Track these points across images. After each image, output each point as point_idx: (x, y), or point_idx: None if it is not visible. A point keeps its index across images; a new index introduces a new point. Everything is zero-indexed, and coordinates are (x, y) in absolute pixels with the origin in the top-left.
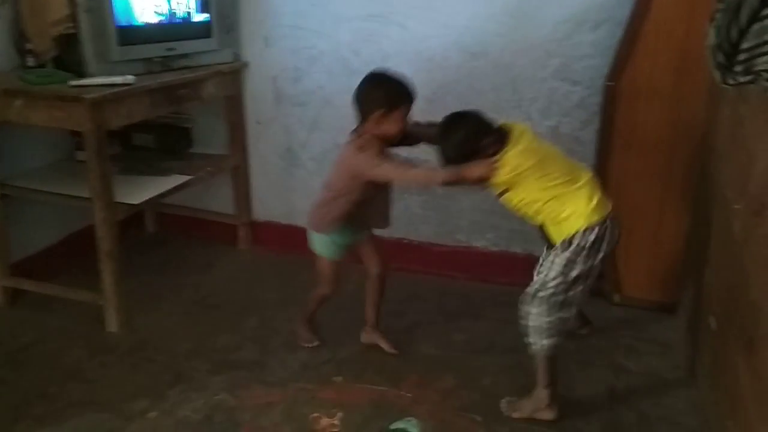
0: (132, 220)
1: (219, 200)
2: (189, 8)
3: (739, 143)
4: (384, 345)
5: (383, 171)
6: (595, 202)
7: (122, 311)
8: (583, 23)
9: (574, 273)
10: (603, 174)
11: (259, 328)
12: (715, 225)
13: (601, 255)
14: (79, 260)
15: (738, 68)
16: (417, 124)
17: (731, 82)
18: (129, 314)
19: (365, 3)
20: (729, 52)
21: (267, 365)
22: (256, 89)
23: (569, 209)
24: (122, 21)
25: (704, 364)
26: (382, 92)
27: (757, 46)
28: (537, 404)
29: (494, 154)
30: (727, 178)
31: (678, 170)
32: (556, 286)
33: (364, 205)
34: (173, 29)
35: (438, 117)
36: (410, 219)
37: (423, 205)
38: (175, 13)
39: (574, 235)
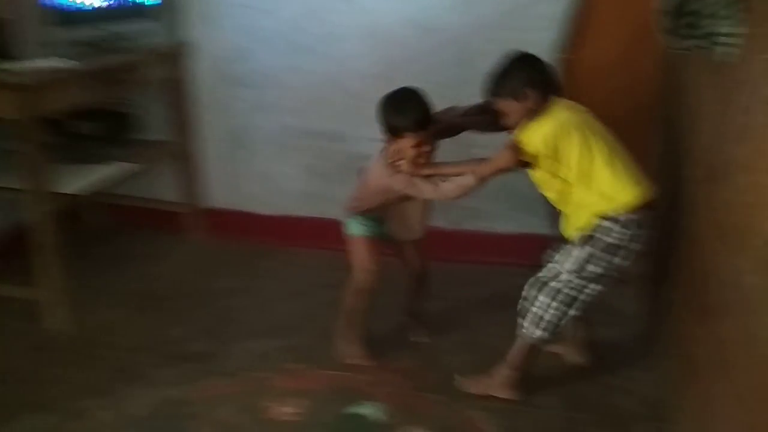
0: (78, 213)
1: (167, 189)
2: None
3: (685, 110)
4: (412, 334)
5: (417, 190)
6: (629, 188)
7: (65, 307)
8: None
9: (592, 269)
10: None
11: (212, 318)
12: (670, 194)
13: (631, 255)
14: (20, 255)
15: (683, 32)
16: (460, 113)
17: (676, 45)
18: (73, 310)
19: None
20: (675, 16)
21: (219, 356)
22: (201, 71)
23: (596, 193)
24: (56, 0)
25: (662, 334)
26: (385, 120)
27: (700, 10)
28: (498, 381)
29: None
30: (677, 146)
31: (634, 141)
32: (568, 281)
33: (398, 209)
34: (111, 10)
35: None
36: None
37: None
38: None
39: (598, 226)
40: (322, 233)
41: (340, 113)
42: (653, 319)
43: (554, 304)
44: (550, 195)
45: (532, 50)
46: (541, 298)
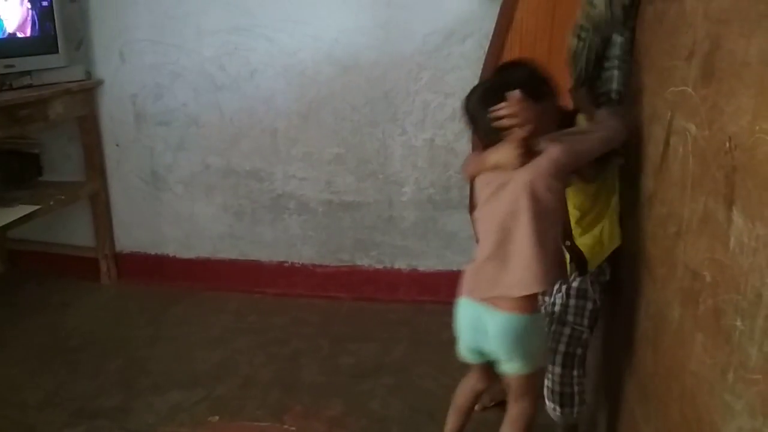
0: None
1: (77, 232)
2: (29, 21)
3: None
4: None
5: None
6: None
7: None
8: (451, 36)
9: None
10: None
11: (125, 370)
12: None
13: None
14: None
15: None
16: None
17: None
18: None
19: (228, 15)
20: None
21: (132, 410)
22: (113, 109)
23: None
24: None
25: (588, 367)
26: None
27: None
28: None
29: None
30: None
31: None
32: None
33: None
34: (12, 44)
35: (313, 133)
36: (290, 240)
37: (302, 225)
38: (12, 25)
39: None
40: (243, 275)
41: (262, 151)
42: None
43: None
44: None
45: (449, 88)
46: (575, 372)
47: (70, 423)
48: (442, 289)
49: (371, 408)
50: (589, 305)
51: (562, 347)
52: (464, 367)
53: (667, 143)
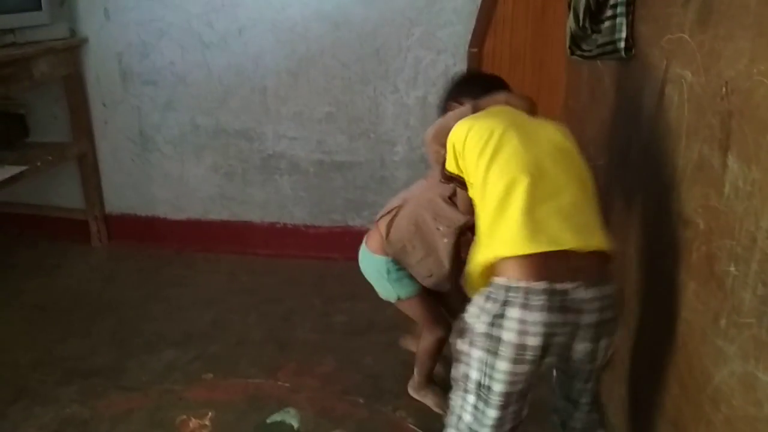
0: None
1: (67, 194)
2: None
3: (600, 100)
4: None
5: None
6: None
7: None
8: None
9: (476, 378)
10: None
11: (117, 330)
12: None
13: (528, 352)
14: None
15: (586, 46)
16: None
17: (577, 53)
18: None
19: None
20: (578, 33)
21: (125, 369)
22: (99, 67)
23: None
24: None
25: None
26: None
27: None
28: None
29: None
30: (589, 138)
31: None
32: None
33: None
34: None
35: (304, 92)
36: (282, 201)
37: (294, 185)
38: None
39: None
40: (235, 237)
41: (252, 110)
42: None
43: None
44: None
45: (441, 44)
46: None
47: (63, 381)
48: None
49: (364, 364)
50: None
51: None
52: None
53: (662, 93)
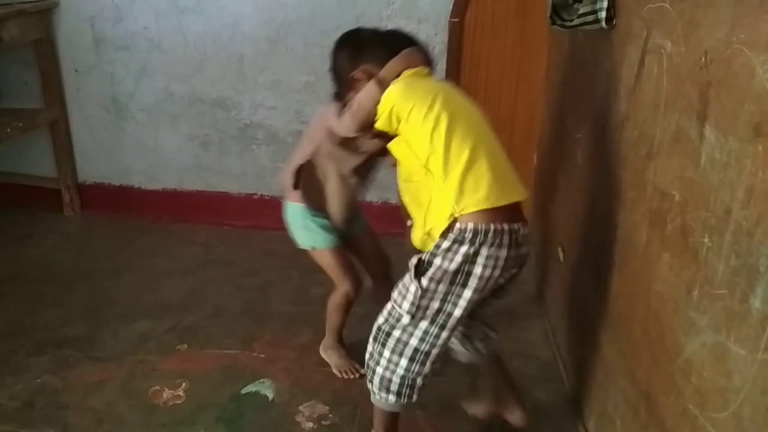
0: None
1: (39, 162)
2: None
3: (580, 72)
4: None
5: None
6: (486, 187)
7: None
8: None
9: (436, 307)
10: None
11: (89, 300)
12: (560, 158)
13: (486, 282)
14: None
15: (567, 16)
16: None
17: (558, 22)
18: None
19: None
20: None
21: (98, 340)
22: (71, 32)
23: (451, 186)
24: None
25: (554, 295)
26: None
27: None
28: None
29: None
30: (568, 110)
31: (523, 109)
32: (410, 329)
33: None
34: None
35: (282, 60)
36: (259, 172)
37: (272, 156)
38: None
39: (437, 246)
40: (212, 208)
41: (228, 79)
42: (545, 281)
43: (403, 361)
44: (407, 194)
45: (422, 13)
46: (386, 353)
47: (35, 352)
48: None
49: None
50: (412, 288)
51: (380, 319)
52: None
53: (641, 63)
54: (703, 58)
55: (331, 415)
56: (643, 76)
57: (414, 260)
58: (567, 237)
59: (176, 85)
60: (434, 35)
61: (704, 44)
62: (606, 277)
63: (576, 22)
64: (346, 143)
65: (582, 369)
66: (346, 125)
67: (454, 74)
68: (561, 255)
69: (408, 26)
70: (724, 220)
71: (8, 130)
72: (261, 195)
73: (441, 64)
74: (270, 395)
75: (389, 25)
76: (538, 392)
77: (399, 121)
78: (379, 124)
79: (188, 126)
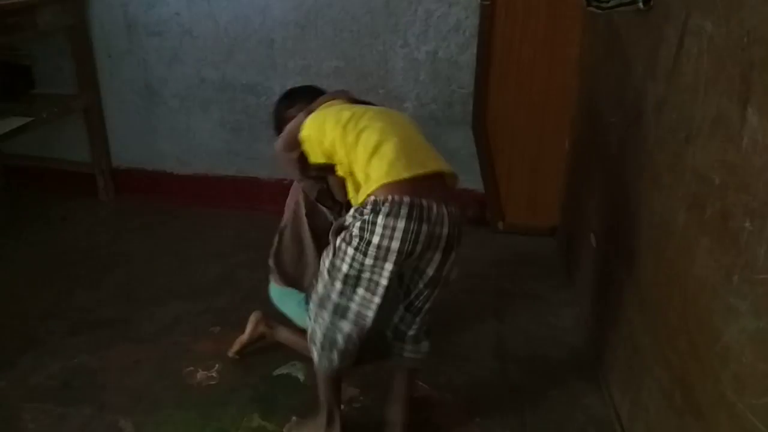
0: None
1: (74, 148)
2: None
3: (615, 55)
4: None
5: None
6: (386, 166)
7: None
8: None
9: (343, 267)
10: (481, 99)
11: (125, 283)
12: (593, 143)
13: (379, 251)
14: None
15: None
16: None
17: (594, 3)
18: None
19: None
20: None
21: (134, 321)
22: (104, 18)
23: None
24: None
25: (585, 282)
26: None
27: None
28: (319, 421)
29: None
30: (602, 94)
31: (555, 93)
32: (328, 283)
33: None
34: None
35: (312, 45)
36: None
37: None
38: None
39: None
40: (241, 192)
41: (259, 64)
42: (577, 268)
43: (325, 314)
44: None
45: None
46: (313, 307)
47: (72, 332)
48: None
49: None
50: (330, 247)
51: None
52: (458, 281)
53: (680, 44)
54: (746, 38)
55: (361, 398)
56: (681, 58)
57: (336, 224)
58: (600, 223)
59: (207, 71)
60: (465, 18)
61: (746, 24)
62: (641, 264)
63: (612, 2)
64: (304, 174)
65: (615, 356)
66: (278, 144)
67: (485, 58)
68: (593, 241)
69: (438, 10)
70: (767, 204)
71: (44, 115)
72: (291, 180)
73: (472, 48)
74: (301, 377)
75: (419, 9)
76: (569, 379)
77: (321, 143)
78: (313, 158)
79: (219, 111)
